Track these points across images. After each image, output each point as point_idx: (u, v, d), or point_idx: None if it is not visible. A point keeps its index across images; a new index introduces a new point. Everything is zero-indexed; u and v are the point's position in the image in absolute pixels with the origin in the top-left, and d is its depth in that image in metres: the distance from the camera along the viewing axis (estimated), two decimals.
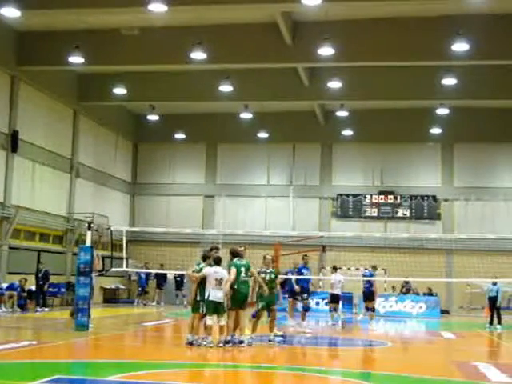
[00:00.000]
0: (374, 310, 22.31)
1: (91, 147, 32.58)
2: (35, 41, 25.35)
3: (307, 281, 19.47)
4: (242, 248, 15.54)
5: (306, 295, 19.19)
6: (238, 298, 14.41)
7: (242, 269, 14.46)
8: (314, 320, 23.67)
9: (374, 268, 22.98)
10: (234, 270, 14.34)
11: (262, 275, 15.36)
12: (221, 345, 13.96)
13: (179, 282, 31.45)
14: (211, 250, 15.03)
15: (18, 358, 12.56)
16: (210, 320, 14.19)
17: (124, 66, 27.36)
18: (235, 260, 14.65)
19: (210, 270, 14.24)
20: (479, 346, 18.19)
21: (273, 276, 15.69)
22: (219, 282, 14.08)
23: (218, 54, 24.46)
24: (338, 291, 21.35)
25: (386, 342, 17.20)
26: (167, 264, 30.73)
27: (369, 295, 22.24)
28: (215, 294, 14.05)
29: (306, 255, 19.89)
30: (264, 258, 16.18)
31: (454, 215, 34.16)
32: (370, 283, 22.11)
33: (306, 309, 19.22)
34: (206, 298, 14.11)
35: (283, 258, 28.51)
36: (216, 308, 14.12)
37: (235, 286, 14.31)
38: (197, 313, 14.39)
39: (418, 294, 30.39)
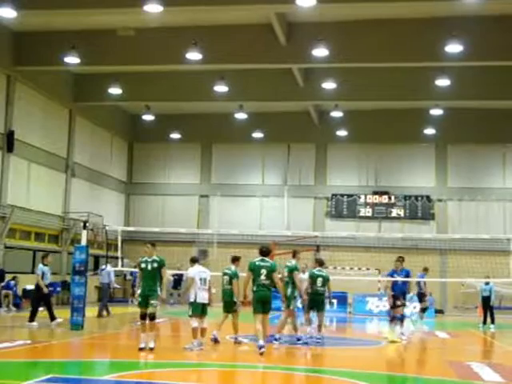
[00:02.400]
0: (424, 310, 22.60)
1: (87, 147, 32.63)
2: (31, 41, 25.43)
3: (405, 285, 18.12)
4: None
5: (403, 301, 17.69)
6: (253, 302, 13.47)
7: (263, 271, 13.40)
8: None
9: (426, 270, 22.38)
10: (248, 273, 13.62)
11: None
12: (203, 347, 13.75)
13: (176, 280, 31.52)
14: (194, 260, 14.67)
15: (13, 358, 12.60)
16: (196, 322, 13.89)
17: (119, 67, 27.43)
18: (255, 260, 13.65)
19: (194, 270, 14.14)
20: (473, 346, 18.31)
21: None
22: (203, 281, 14.02)
23: (213, 54, 24.55)
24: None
25: (380, 342, 17.29)
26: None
27: (423, 296, 22.37)
28: (201, 294, 13.93)
29: (401, 257, 18.31)
30: None
31: (448, 215, 34.31)
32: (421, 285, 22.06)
33: (401, 318, 17.46)
34: (193, 299, 13.92)
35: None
36: (202, 309, 14.00)
37: (254, 289, 13.55)
38: (234, 312, 14.87)
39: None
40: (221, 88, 28.49)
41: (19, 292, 25.56)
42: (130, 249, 33.48)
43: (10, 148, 26.20)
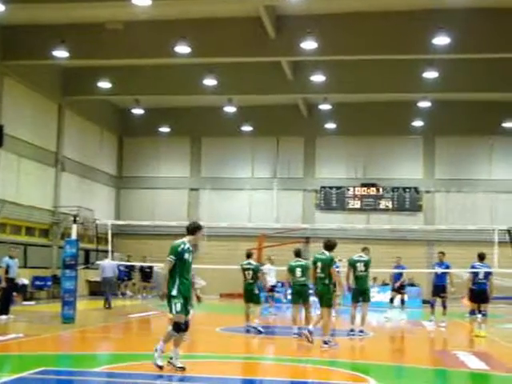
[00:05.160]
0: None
1: (76, 141, 32.64)
2: (20, 35, 25.33)
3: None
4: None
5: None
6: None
7: (318, 264, 13.91)
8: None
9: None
10: (313, 268, 14.21)
11: None
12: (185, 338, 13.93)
13: (147, 273, 31.58)
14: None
15: (5, 351, 12.73)
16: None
17: (109, 60, 27.42)
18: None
19: None
20: (459, 335, 18.53)
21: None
22: None
23: (202, 47, 24.58)
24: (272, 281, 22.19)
25: (369, 332, 17.47)
26: (154, 257, 30.74)
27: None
28: None
29: (441, 252, 20.43)
30: None
31: (436, 207, 34.56)
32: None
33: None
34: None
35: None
36: None
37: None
38: (296, 304, 15.38)
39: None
40: (210, 81, 28.54)
41: None
42: (121, 242, 33.57)
43: None
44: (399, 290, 22.59)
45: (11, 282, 19.10)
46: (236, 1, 22.75)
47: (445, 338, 17.79)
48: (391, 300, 22.63)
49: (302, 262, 15.84)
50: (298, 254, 16.05)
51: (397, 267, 22.56)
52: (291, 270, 15.63)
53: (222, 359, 12.11)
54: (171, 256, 10.37)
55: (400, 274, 22.47)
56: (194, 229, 10.88)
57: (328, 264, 13.76)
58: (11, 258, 19.12)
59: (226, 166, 36.47)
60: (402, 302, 22.91)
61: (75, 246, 18.16)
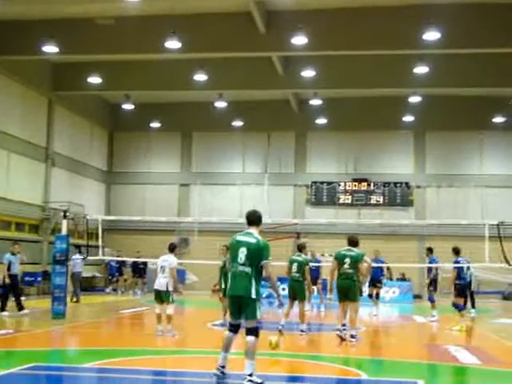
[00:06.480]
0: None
1: (67, 136, 32.54)
2: (9, 30, 25.15)
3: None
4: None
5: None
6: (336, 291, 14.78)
7: (347, 260, 13.95)
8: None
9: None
10: (333, 262, 14.35)
11: None
12: (170, 334, 13.99)
13: (141, 269, 31.47)
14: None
15: None
16: (157, 309, 14.50)
17: (99, 56, 27.32)
18: (341, 250, 14.51)
19: (160, 259, 14.58)
20: (451, 330, 18.58)
21: None
22: (162, 270, 14.26)
23: (193, 43, 24.54)
24: None
25: (360, 327, 17.51)
26: (144, 252, 30.78)
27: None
28: (158, 281, 14.32)
29: (428, 248, 20.81)
30: None
31: (427, 201, 34.65)
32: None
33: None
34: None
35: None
36: (158, 296, 14.36)
37: (337, 277, 14.38)
38: (290, 299, 15.30)
39: (391, 279, 30.78)
40: (200, 77, 28.48)
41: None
42: (111, 238, 33.53)
43: None
44: (375, 284, 22.47)
45: (14, 278, 19.06)
46: None
47: (436, 333, 17.85)
48: (373, 296, 22.56)
49: (301, 258, 15.74)
50: (299, 248, 16.12)
51: (375, 261, 22.45)
52: (290, 264, 15.63)
53: (212, 354, 12.10)
54: (270, 257, 9.40)
55: (380, 268, 22.43)
56: (260, 218, 9.93)
57: (358, 260, 13.94)
58: (13, 254, 19.10)
59: (216, 161, 36.45)
60: (377, 296, 22.74)
61: (65, 242, 18.14)
